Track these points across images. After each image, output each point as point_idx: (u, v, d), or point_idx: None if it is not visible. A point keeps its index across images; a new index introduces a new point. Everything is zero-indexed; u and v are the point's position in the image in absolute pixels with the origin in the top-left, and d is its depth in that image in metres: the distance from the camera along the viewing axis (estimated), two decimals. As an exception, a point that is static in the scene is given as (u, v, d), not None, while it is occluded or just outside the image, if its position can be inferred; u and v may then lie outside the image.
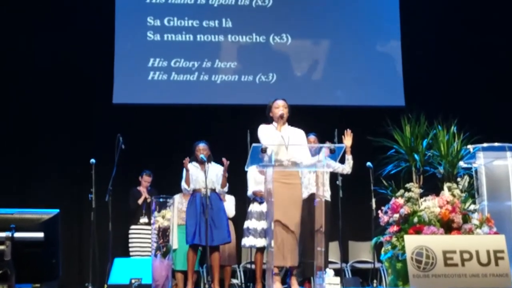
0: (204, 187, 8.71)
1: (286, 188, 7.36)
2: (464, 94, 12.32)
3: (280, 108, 7.62)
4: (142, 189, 10.76)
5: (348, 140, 9.11)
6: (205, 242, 8.66)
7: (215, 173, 8.96)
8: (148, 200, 10.57)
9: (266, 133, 7.56)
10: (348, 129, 9.18)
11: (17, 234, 3.86)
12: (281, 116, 7.57)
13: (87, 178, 9.50)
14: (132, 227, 10.62)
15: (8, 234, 3.84)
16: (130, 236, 10.61)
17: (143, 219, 10.55)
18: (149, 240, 10.36)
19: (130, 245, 10.56)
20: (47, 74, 11.97)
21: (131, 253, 10.44)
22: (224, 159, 8.94)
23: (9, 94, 11.94)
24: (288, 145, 7.39)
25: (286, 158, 7.38)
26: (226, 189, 9.17)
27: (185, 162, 8.88)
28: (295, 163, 7.41)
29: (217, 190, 9.01)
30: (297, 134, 7.72)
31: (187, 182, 8.93)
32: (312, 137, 9.10)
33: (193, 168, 8.96)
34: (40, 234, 3.91)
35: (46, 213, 4.06)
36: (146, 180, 10.81)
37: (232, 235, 9.78)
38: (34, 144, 11.88)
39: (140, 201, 10.63)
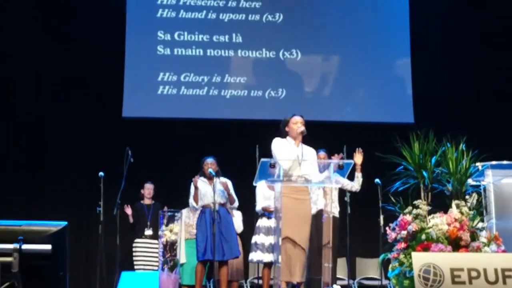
0: (213, 202, 8.72)
1: (295, 204, 7.37)
2: (474, 111, 12.32)
3: (298, 124, 7.66)
4: (146, 201, 10.77)
5: (358, 158, 9.14)
6: (217, 256, 8.67)
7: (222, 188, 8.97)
8: (131, 221, 10.63)
9: (282, 148, 7.58)
10: (359, 148, 9.20)
11: (25, 246, 3.86)
12: (302, 133, 7.60)
13: (96, 191, 9.51)
14: (137, 240, 10.61)
15: (16, 246, 3.84)
16: (134, 249, 10.59)
17: (148, 232, 10.54)
18: (154, 254, 10.38)
19: (134, 258, 10.53)
20: (57, 88, 12.02)
21: (135, 267, 10.41)
22: (223, 183, 8.97)
23: (19, 106, 11.98)
24: (302, 161, 7.41)
25: (299, 174, 7.39)
26: (236, 204, 9.20)
27: (194, 180, 8.89)
28: (306, 180, 7.42)
29: (227, 207, 9.02)
30: (310, 152, 7.76)
31: (196, 200, 8.93)
32: (322, 153, 9.10)
33: (201, 183, 8.97)
34: (48, 246, 3.92)
35: (54, 226, 4.07)
36: (147, 188, 10.80)
37: (239, 250, 9.80)
38: (43, 156, 11.91)
39: (131, 220, 10.68)
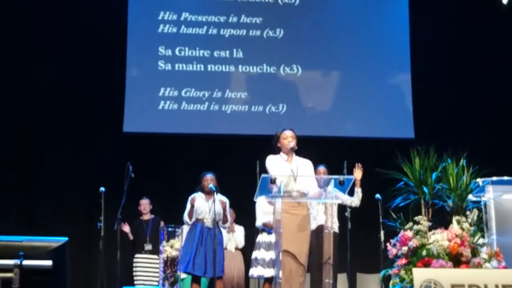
0: (207, 218, 8.74)
1: (294, 219, 7.34)
2: (474, 127, 12.32)
3: (288, 138, 7.55)
4: (144, 216, 10.81)
5: (358, 173, 9.13)
6: (198, 271, 8.70)
7: (220, 206, 8.96)
8: (131, 238, 10.68)
9: (275, 165, 7.51)
10: (358, 163, 9.19)
11: (26, 262, 3.86)
12: (292, 149, 7.53)
13: (97, 206, 9.49)
14: (137, 255, 10.63)
15: (17, 261, 3.83)
16: (134, 264, 10.60)
17: (148, 247, 10.55)
18: (154, 269, 10.39)
19: (134, 273, 10.54)
20: (58, 102, 12.02)
21: (135, 282, 10.41)
22: (222, 202, 8.98)
23: (19, 120, 11.98)
24: (297, 176, 7.37)
25: (295, 189, 7.35)
26: (227, 224, 9.24)
27: (192, 200, 8.88)
28: (303, 194, 7.39)
29: (219, 225, 9.02)
30: (305, 164, 7.68)
31: (190, 216, 8.92)
32: (322, 169, 9.10)
33: (198, 198, 8.96)
34: (49, 262, 3.91)
35: (55, 241, 4.07)
36: (143, 203, 10.84)
37: (240, 265, 9.79)
38: (44, 171, 11.90)
39: (131, 237, 10.73)
